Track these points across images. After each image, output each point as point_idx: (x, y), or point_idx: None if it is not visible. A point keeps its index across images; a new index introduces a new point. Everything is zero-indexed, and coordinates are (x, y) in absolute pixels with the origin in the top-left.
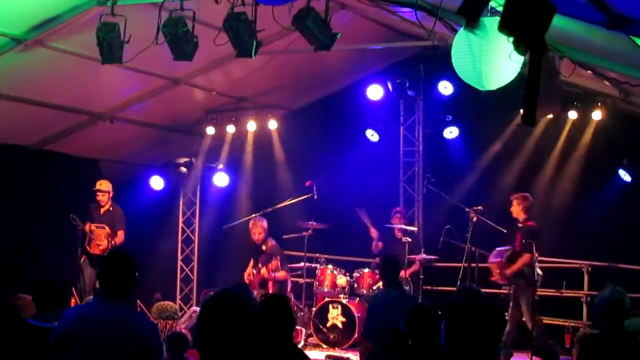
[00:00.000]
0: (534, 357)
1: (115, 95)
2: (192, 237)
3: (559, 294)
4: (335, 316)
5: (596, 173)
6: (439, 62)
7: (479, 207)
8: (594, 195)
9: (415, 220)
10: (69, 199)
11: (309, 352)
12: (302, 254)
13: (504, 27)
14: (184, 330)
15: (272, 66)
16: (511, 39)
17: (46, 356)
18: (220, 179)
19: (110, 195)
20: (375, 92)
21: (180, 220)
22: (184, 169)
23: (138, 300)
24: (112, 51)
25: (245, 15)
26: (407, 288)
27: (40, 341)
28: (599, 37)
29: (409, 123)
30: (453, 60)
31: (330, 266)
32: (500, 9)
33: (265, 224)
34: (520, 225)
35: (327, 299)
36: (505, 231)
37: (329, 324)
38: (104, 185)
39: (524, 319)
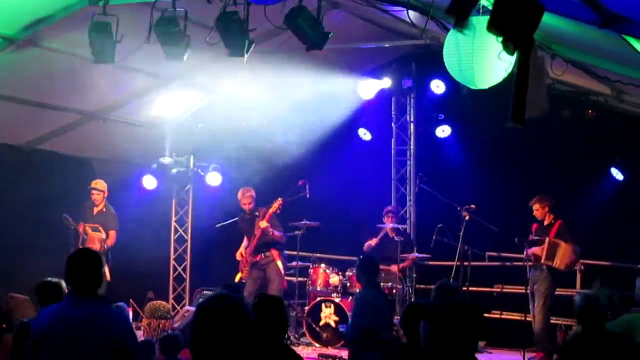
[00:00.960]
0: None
1: (107, 94)
2: (185, 236)
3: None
4: (328, 315)
5: (588, 171)
6: (431, 60)
7: (472, 206)
8: (586, 193)
9: (407, 219)
10: (62, 199)
11: (301, 351)
12: (294, 252)
13: (493, 27)
14: (177, 330)
15: (264, 65)
16: (500, 39)
17: (27, 357)
18: (213, 178)
19: (105, 195)
20: (367, 91)
21: (173, 219)
22: (176, 168)
23: (131, 300)
24: (104, 50)
25: (237, 14)
26: (400, 286)
27: None
28: (591, 36)
29: (401, 122)
30: (445, 59)
31: (323, 265)
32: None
33: (253, 192)
34: (545, 224)
35: (319, 298)
36: (497, 230)
37: (321, 323)
38: (99, 184)
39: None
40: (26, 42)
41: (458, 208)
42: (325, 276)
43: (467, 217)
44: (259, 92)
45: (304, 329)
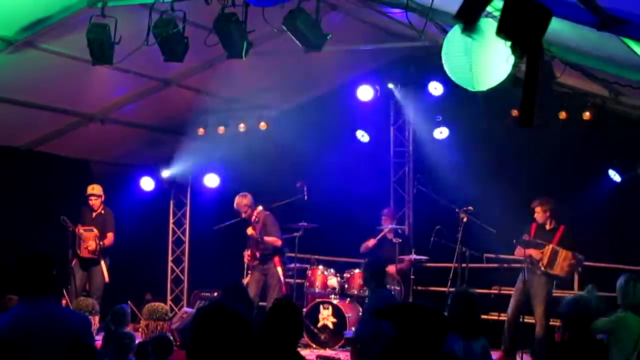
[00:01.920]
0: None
1: (105, 96)
2: (183, 238)
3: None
4: (326, 317)
5: (586, 173)
6: (430, 62)
7: (470, 208)
8: (583, 195)
9: (405, 221)
10: (59, 200)
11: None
12: (292, 254)
13: (501, 32)
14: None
15: (262, 67)
16: (508, 44)
17: None
18: (211, 180)
19: (102, 199)
20: (365, 92)
21: (171, 221)
22: (174, 170)
23: (129, 301)
24: (102, 52)
25: (236, 16)
26: (398, 288)
27: None
28: (590, 38)
29: (399, 124)
30: (444, 61)
31: (321, 267)
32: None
33: (247, 199)
34: (547, 229)
35: (318, 300)
36: (495, 232)
37: (319, 325)
38: (96, 189)
39: (534, 318)
40: (24, 43)
41: (456, 210)
42: (324, 278)
43: (465, 219)
44: (257, 93)
45: (302, 331)
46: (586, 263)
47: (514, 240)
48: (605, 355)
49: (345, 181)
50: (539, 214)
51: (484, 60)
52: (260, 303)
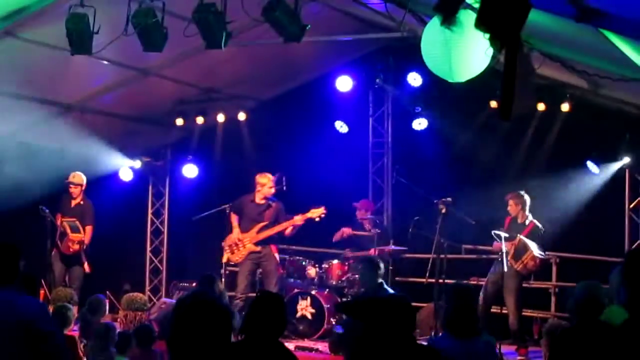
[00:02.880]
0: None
1: (85, 85)
2: (162, 228)
3: (527, 285)
4: (304, 307)
5: (564, 165)
6: (409, 53)
7: (448, 199)
8: (562, 187)
9: (384, 212)
10: (38, 190)
11: None
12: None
13: (480, 25)
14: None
15: (241, 57)
16: (487, 36)
17: None
18: (190, 170)
19: (83, 188)
20: (344, 83)
21: (150, 211)
22: (152, 160)
23: (107, 291)
24: (81, 42)
25: (215, 6)
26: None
27: None
28: (569, 30)
29: (378, 114)
30: (423, 53)
31: (299, 258)
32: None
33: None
34: (519, 222)
35: (296, 290)
36: (474, 222)
37: (298, 315)
38: (76, 178)
39: (505, 309)
40: (3, 33)
41: (435, 201)
42: (302, 268)
43: (443, 210)
44: (236, 84)
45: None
46: (564, 254)
47: (493, 232)
48: (618, 341)
49: (324, 172)
50: (512, 207)
51: (463, 51)
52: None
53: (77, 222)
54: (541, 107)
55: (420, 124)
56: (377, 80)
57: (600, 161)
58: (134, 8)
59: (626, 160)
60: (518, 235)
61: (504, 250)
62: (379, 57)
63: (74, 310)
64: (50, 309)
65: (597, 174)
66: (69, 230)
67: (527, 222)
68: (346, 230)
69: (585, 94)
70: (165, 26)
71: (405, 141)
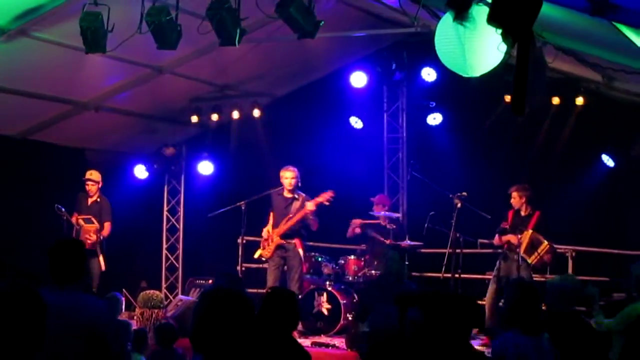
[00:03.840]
0: None
1: (99, 84)
2: (177, 225)
3: (543, 279)
4: (320, 303)
5: (580, 158)
6: (423, 48)
7: (463, 193)
8: (577, 180)
9: (399, 207)
10: (54, 189)
11: None
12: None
13: (492, 20)
14: (170, 319)
15: (255, 54)
16: (499, 31)
17: None
18: (205, 168)
19: (100, 185)
20: (358, 79)
21: (165, 209)
22: (168, 156)
23: (124, 289)
24: (95, 40)
25: (229, 3)
26: None
27: None
28: (582, 23)
29: (393, 110)
30: (436, 48)
31: (314, 253)
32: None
33: (291, 172)
34: (523, 215)
35: (312, 286)
36: (489, 217)
37: (314, 311)
38: (94, 175)
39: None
40: (17, 32)
41: (450, 195)
42: (318, 264)
43: (458, 205)
44: (250, 81)
45: (298, 318)
46: (580, 247)
47: (498, 228)
48: None
49: (339, 168)
50: (515, 200)
51: (476, 46)
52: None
53: (93, 219)
54: (556, 101)
55: (434, 118)
56: (384, 73)
57: (615, 154)
58: (147, 6)
59: None
60: (528, 231)
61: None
62: (392, 52)
63: None
64: None
65: (612, 167)
66: (82, 222)
67: (530, 213)
68: (356, 221)
69: (599, 87)
70: (179, 23)
71: (420, 136)
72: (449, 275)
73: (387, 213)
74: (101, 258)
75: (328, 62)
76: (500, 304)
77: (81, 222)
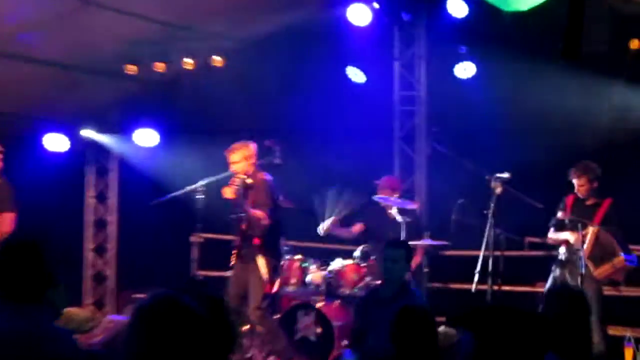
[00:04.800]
0: None
1: (0, 21)
2: (108, 218)
3: (614, 293)
4: (307, 325)
5: None
6: None
7: (505, 175)
8: None
9: (415, 193)
10: None
11: None
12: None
13: None
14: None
15: None
16: None
17: None
18: (146, 138)
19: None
20: (359, 15)
21: (90, 195)
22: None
23: None
24: None
25: None
26: None
27: None
28: None
29: (407, 58)
30: None
31: (299, 257)
32: None
33: (246, 148)
34: (588, 205)
35: (294, 302)
36: (541, 207)
37: (298, 337)
38: None
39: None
40: None
41: (487, 177)
42: (303, 272)
43: (499, 190)
44: (209, 18)
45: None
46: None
47: (553, 220)
48: None
49: (332, 138)
50: (583, 187)
51: None
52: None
53: None
54: (635, 44)
55: (465, 70)
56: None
57: None
58: None
59: None
60: (593, 227)
61: (575, 244)
62: None
63: None
64: None
65: None
66: None
67: (598, 202)
68: (357, 227)
69: None
70: None
71: (445, 95)
72: (485, 286)
73: (397, 201)
74: None
75: None
76: None
77: None
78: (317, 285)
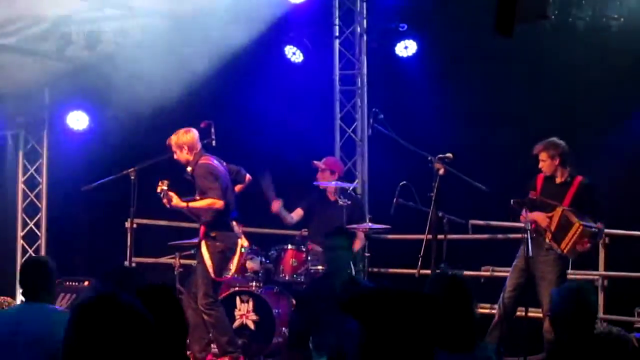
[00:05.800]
0: None
1: None
2: (38, 203)
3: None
4: (245, 313)
5: (619, 109)
6: None
7: (449, 155)
8: (615, 140)
9: (356, 175)
10: None
11: None
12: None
13: None
14: None
15: None
16: None
17: None
18: (77, 120)
19: None
20: None
21: (20, 179)
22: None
23: None
24: None
25: None
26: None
27: None
28: None
29: (347, 35)
30: None
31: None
32: None
33: (188, 136)
34: (558, 182)
35: (232, 289)
36: (485, 189)
37: (235, 325)
38: None
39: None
40: None
41: (429, 158)
42: (241, 258)
43: (441, 171)
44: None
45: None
46: (616, 231)
47: (512, 201)
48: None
49: (269, 119)
50: (546, 163)
51: None
52: None
53: None
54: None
55: (406, 48)
56: None
57: None
58: None
59: None
60: (559, 207)
61: (542, 224)
62: None
63: None
64: None
65: None
66: None
67: (568, 179)
68: (275, 204)
69: None
70: None
71: (387, 73)
72: (428, 271)
73: (338, 182)
74: None
75: None
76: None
77: None
78: (256, 272)
